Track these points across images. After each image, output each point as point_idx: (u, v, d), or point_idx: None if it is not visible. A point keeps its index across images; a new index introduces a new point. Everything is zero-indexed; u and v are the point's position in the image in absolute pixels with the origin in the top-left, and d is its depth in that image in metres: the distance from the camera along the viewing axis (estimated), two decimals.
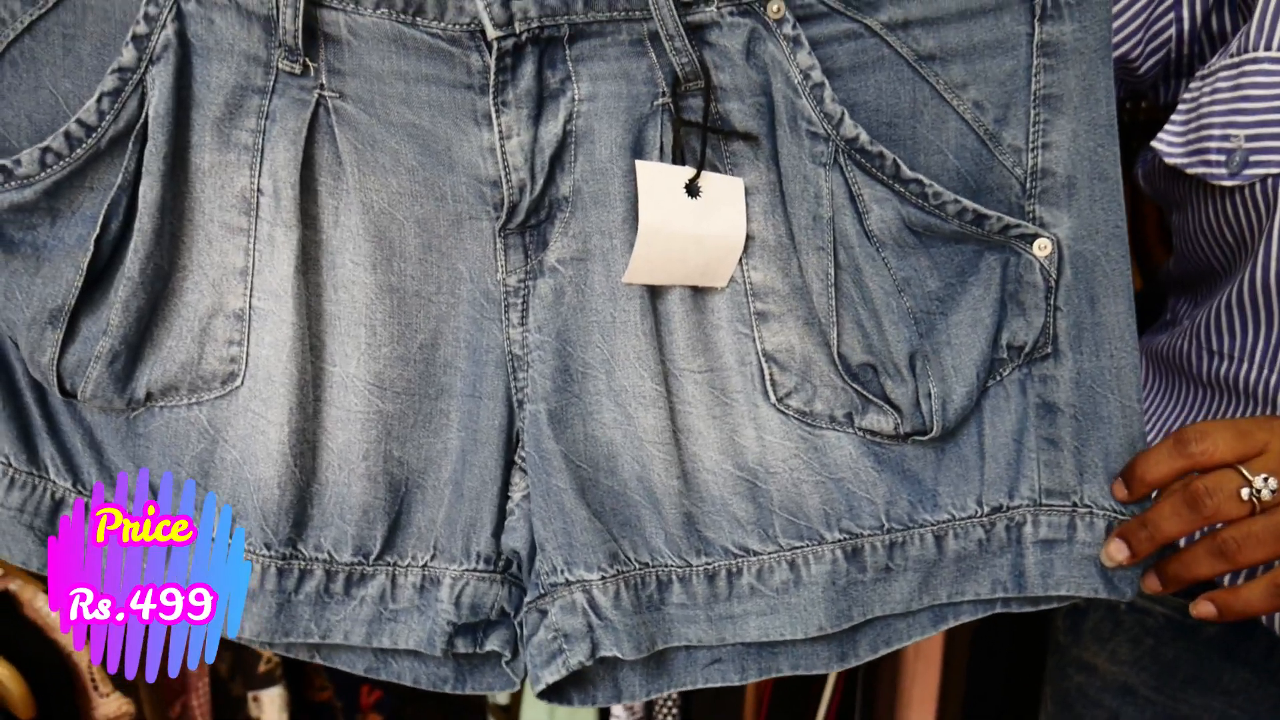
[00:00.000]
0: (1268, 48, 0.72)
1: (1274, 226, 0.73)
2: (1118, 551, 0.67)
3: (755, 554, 0.70)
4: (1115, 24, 0.80)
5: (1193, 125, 0.75)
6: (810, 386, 0.68)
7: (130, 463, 0.67)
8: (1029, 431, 0.69)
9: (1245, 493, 0.62)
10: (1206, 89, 0.74)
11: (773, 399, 0.68)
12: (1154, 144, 0.78)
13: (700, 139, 0.63)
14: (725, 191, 0.64)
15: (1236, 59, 0.73)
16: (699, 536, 0.69)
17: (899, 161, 0.64)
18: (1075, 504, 0.69)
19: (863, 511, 0.69)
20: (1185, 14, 0.80)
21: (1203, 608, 0.66)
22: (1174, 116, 0.77)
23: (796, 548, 0.69)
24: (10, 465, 0.65)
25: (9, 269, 0.63)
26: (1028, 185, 0.66)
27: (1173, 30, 0.80)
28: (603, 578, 0.66)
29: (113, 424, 0.66)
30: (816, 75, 0.63)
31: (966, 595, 0.71)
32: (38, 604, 0.87)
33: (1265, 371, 0.76)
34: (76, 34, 0.61)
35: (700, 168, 0.63)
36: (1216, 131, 0.73)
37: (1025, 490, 0.69)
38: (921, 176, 0.64)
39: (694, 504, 0.69)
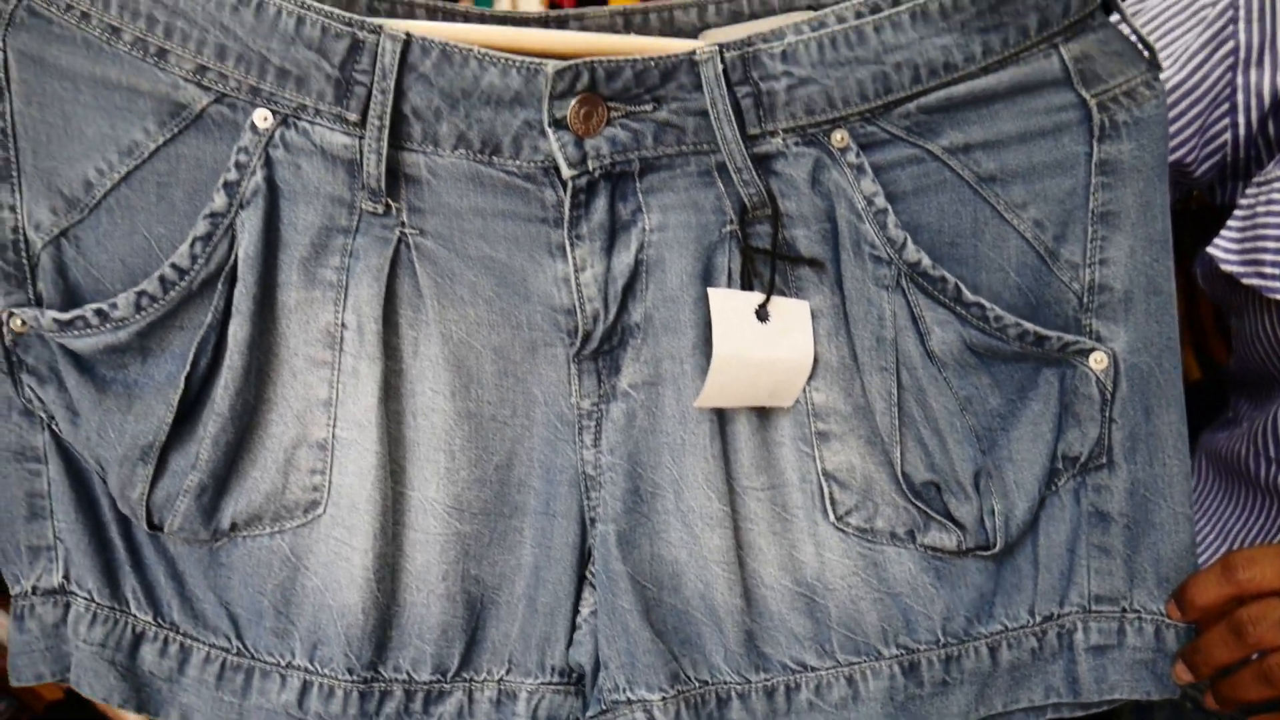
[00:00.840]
0: None
1: None
2: (1184, 674, 0.70)
3: (813, 669, 0.70)
4: (1171, 129, 0.82)
5: (1249, 234, 0.77)
6: (871, 505, 0.69)
7: (212, 593, 0.68)
8: (1081, 540, 0.70)
9: None
10: (1262, 197, 0.76)
11: (832, 517, 0.69)
12: (1210, 249, 0.79)
13: (770, 265, 0.65)
14: (793, 315, 0.65)
15: None
16: (758, 653, 0.70)
17: (960, 285, 0.66)
18: (1124, 609, 0.71)
19: (919, 627, 0.70)
20: (1241, 119, 0.82)
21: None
22: (1230, 223, 0.79)
23: (854, 663, 0.70)
24: (93, 600, 0.67)
25: (102, 408, 0.65)
26: (1085, 299, 0.68)
27: (1228, 135, 0.82)
28: (664, 698, 0.67)
29: (195, 555, 0.68)
30: (880, 201, 0.65)
31: (1021, 703, 0.72)
32: None
33: None
34: (170, 181, 0.64)
35: (770, 293, 0.65)
36: (1272, 244, 0.75)
37: (1075, 598, 0.71)
38: (983, 300, 0.66)
39: (754, 621, 0.70)
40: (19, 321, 0.65)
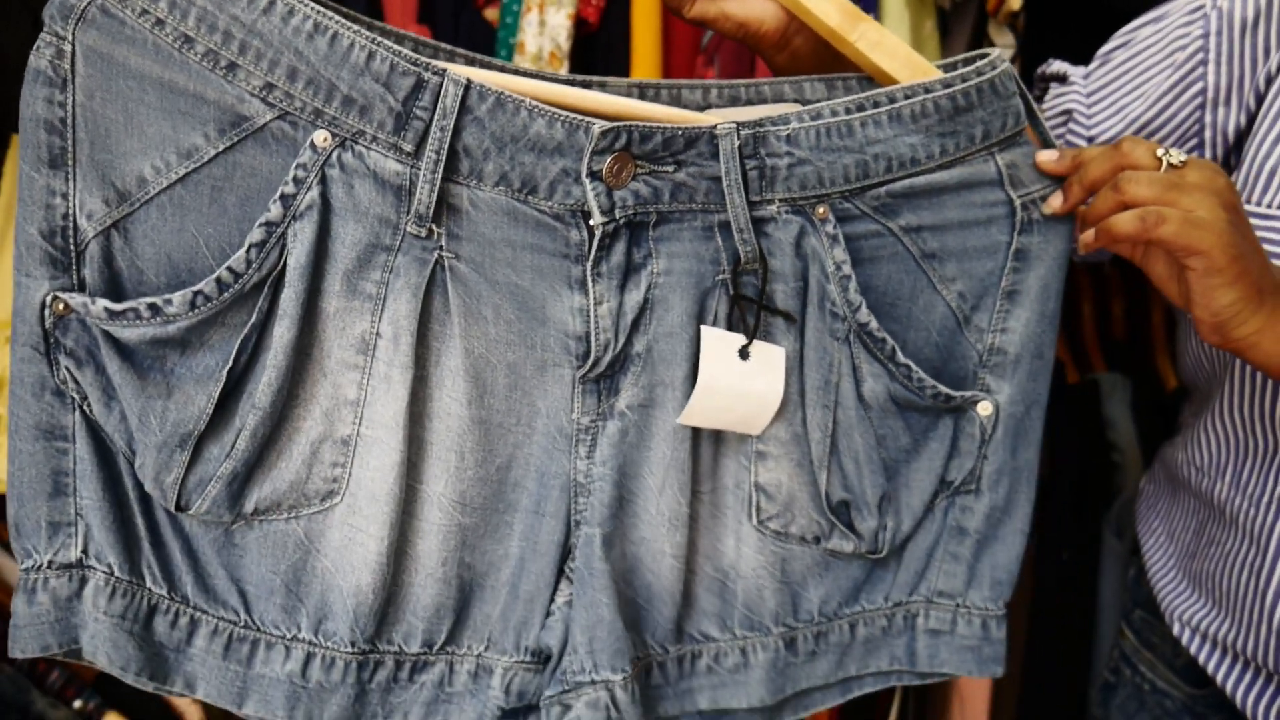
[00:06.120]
0: (1247, 200, 0.85)
1: (1236, 362, 0.88)
2: (1055, 200, 0.80)
3: (714, 640, 0.84)
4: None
5: None
6: (790, 514, 0.82)
7: (224, 570, 0.73)
8: (940, 547, 0.87)
9: (1159, 152, 0.74)
10: None
11: (755, 520, 0.82)
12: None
13: (755, 312, 0.76)
14: (770, 358, 0.77)
15: None
16: (678, 629, 0.83)
17: (896, 348, 0.79)
18: (959, 604, 0.88)
19: (801, 609, 0.85)
20: (1207, 154, 0.91)
21: (1086, 236, 0.78)
22: None
23: (748, 637, 0.84)
24: (114, 574, 0.70)
25: (145, 394, 0.68)
26: (984, 358, 0.83)
27: None
28: (624, 678, 0.77)
29: (210, 535, 0.72)
30: (846, 268, 0.77)
31: (870, 669, 0.89)
32: None
33: (1231, 492, 0.91)
34: (225, 187, 0.68)
35: (753, 336, 0.76)
36: None
37: (923, 590, 0.87)
38: (910, 362, 0.80)
39: (681, 602, 0.82)
40: (63, 305, 0.67)
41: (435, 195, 0.69)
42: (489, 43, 1.28)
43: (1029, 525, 0.88)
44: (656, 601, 0.80)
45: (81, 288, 0.67)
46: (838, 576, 0.86)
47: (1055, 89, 0.98)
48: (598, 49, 1.29)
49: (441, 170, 0.69)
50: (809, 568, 0.85)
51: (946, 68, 0.80)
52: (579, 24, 1.28)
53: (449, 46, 0.77)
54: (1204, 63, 0.89)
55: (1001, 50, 0.80)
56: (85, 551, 0.70)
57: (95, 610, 0.69)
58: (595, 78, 0.79)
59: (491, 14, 1.30)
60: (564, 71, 1.25)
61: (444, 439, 0.74)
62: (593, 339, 0.74)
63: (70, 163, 0.66)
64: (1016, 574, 0.89)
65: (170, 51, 0.66)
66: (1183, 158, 0.74)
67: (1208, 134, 0.90)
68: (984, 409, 0.84)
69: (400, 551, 0.75)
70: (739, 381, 0.76)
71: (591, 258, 0.73)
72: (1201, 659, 0.96)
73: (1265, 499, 0.88)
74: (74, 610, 0.70)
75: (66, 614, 0.70)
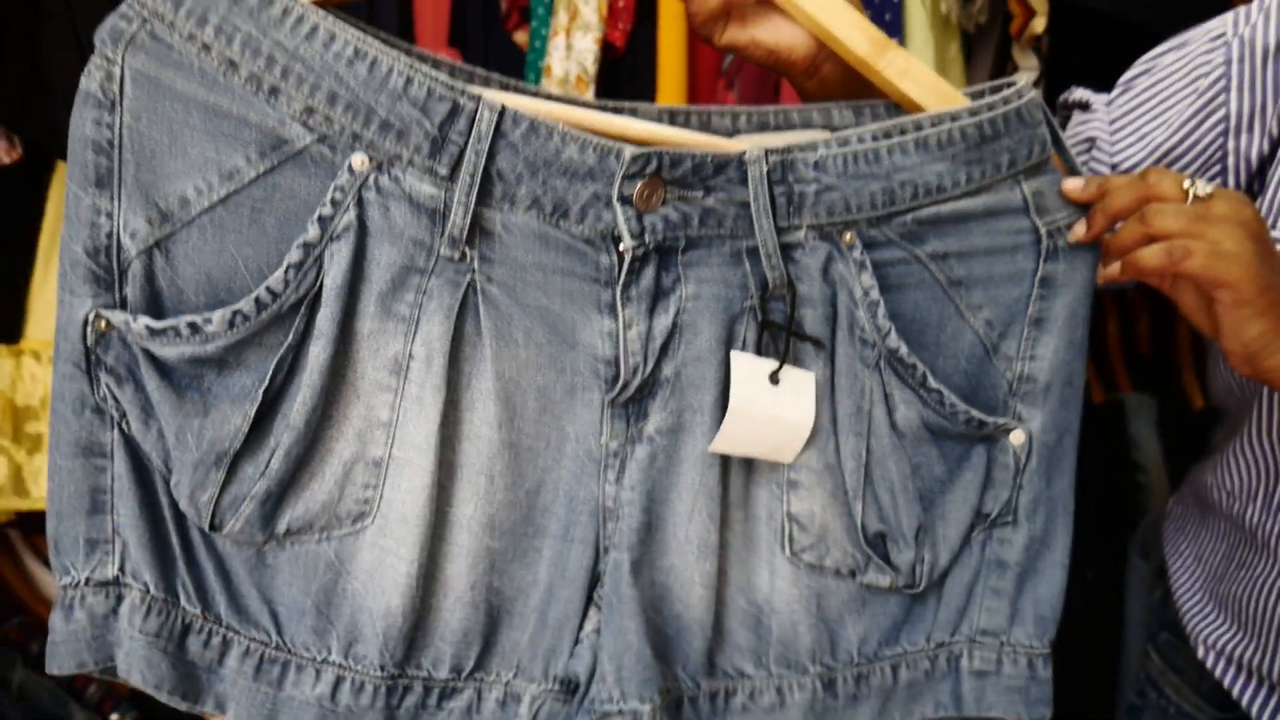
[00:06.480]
0: (1272, 227, 0.85)
1: (1265, 388, 0.87)
2: (1079, 228, 0.79)
3: (748, 677, 0.82)
4: None
5: None
6: (824, 546, 0.81)
7: (256, 590, 0.73)
8: (980, 582, 0.85)
9: (1185, 184, 0.74)
10: None
11: (788, 551, 0.81)
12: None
13: (784, 338, 0.77)
14: (800, 383, 0.77)
15: None
16: (710, 663, 0.81)
17: (927, 373, 0.79)
18: (1003, 643, 0.85)
19: (840, 649, 0.83)
20: (1231, 181, 0.91)
21: (1112, 269, 0.78)
22: None
23: (784, 676, 0.82)
24: (149, 592, 0.71)
25: (182, 412, 0.69)
26: (1014, 386, 0.83)
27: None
28: (652, 708, 0.77)
29: (243, 555, 0.73)
30: (874, 294, 0.78)
31: (914, 716, 0.86)
32: None
33: (1263, 516, 0.90)
34: (264, 208, 0.69)
35: (783, 362, 0.76)
36: None
37: (966, 629, 0.85)
38: (942, 387, 0.80)
39: (713, 634, 0.81)
40: (104, 322, 0.68)
41: (469, 219, 0.71)
42: (518, 66, 1.31)
43: (1069, 558, 0.87)
44: (686, 632, 0.80)
45: (124, 305, 0.69)
46: (876, 614, 0.84)
47: (1078, 116, 0.99)
48: (624, 73, 1.31)
49: (475, 194, 0.70)
50: (846, 603, 0.83)
51: (974, 96, 0.81)
52: (605, 48, 1.31)
53: (484, 71, 0.79)
54: (1226, 90, 0.90)
55: (1026, 72, 0.81)
56: (122, 569, 0.70)
57: (130, 628, 0.70)
58: (627, 103, 0.81)
59: (521, 37, 1.33)
60: (590, 95, 1.27)
61: (474, 462, 0.74)
62: (622, 363, 0.75)
63: (116, 183, 0.68)
64: (1060, 610, 0.87)
65: (215, 75, 0.67)
66: (1209, 189, 0.75)
67: (1231, 160, 0.91)
68: (1017, 438, 0.83)
69: (429, 575, 0.75)
70: (770, 407, 0.76)
71: (621, 282, 0.74)
72: (1227, 682, 0.95)
73: None
74: (110, 628, 0.71)
75: (103, 631, 0.71)
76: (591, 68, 1.27)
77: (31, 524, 1.67)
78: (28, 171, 1.49)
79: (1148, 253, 0.74)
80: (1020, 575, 0.85)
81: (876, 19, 1.35)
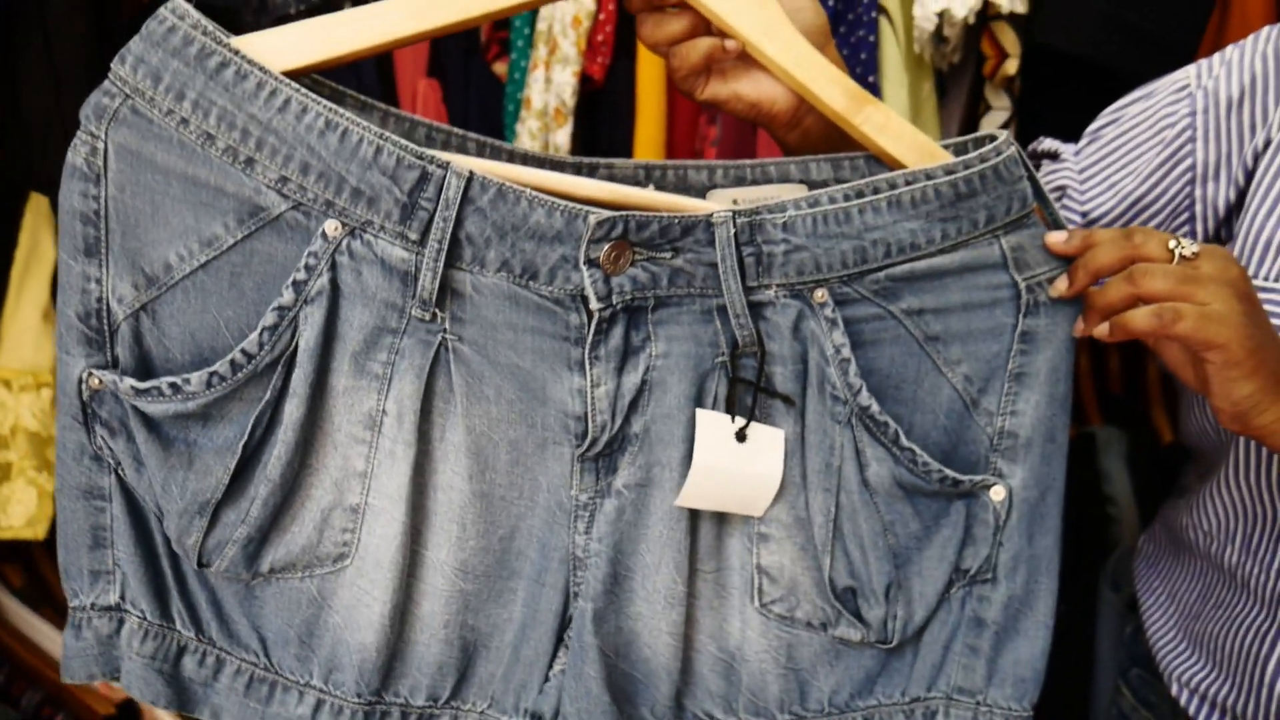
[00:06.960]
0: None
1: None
2: (1061, 283, 0.79)
3: None
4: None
5: None
6: (794, 598, 0.82)
7: (245, 618, 0.78)
8: (958, 639, 0.84)
9: (1171, 244, 0.74)
10: None
11: (758, 603, 0.82)
12: None
13: (752, 396, 0.78)
14: (768, 440, 0.78)
15: None
16: (679, 707, 0.83)
17: (900, 431, 0.79)
18: (979, 702, 0.84)
19: (811, 698, 0.84)
20: (1199, 229, 0.92)
21: (1100, 329, 0.77)
22: None
23: None
24: (146, 619, 0.77)
25: (168, 464, 0.74)
26: (994, 441, 0.82)
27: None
28: None
29: (233, 588, 0.78)
30: (845, 351, 0.78)
31: None
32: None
33: (1242, 556, 0.90)
34: (242, 273, 0.73)
35: (750, 419, 0.78)
36: None
37: (942, 685, 0.84)
38: (914, 446, 0.79)
39: (681, 679, 0.83)
40: (97, 380, 0.73)
41: (438, 281, 0.73)
42: (497, 97, 1.32)
43: (1053, 619, 0.85)
44: (654, 677, 0.82)
45: (115, 365, 0.73)
46: (849, 666, 0.84)
47: (1047, 165, 0.99)
48: (603, 105, 1.31)
49: (444, 258, 0.73)
50: (818, 655, 0.84)
51: (956, 149, 0.80)
52: (584, 81, 1.31)
53: (461, 132, 0.81)
54: (1192, 140, 0.90)
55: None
56: (123, 597, 0.77)
57: (130, 650, 0.77)
58: (603, 160, 0.82)
59: (500, 68, 1.33)
60: (568, 128, 1.27)
61: (446, 511, 0.77)
62: (590, 420, 0.77)
63: (103, 251, 0.72)
64: (1042, 672, 0.85)
65: (194, 147, 0.71)
66: (1195, 248, 0.74)
67: (1198, 208, 0.91)
68: (996, 494, 0.82)
69: (406, 612, 0.79)
70: (735, 464, 0.78)
71: (589, 341, 0.76)
72: None
73: (1278, 565, 0.87)
74: (115, 645, 0.78)
75: (108, 648, 0.78)
76: (570, 101, 1.27)
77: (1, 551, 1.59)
78: (1, 204, 1.46)
79: (1137, 315, 0.73)
80: (998, 634, 0.84)
81: (852, 58, 1.35)
